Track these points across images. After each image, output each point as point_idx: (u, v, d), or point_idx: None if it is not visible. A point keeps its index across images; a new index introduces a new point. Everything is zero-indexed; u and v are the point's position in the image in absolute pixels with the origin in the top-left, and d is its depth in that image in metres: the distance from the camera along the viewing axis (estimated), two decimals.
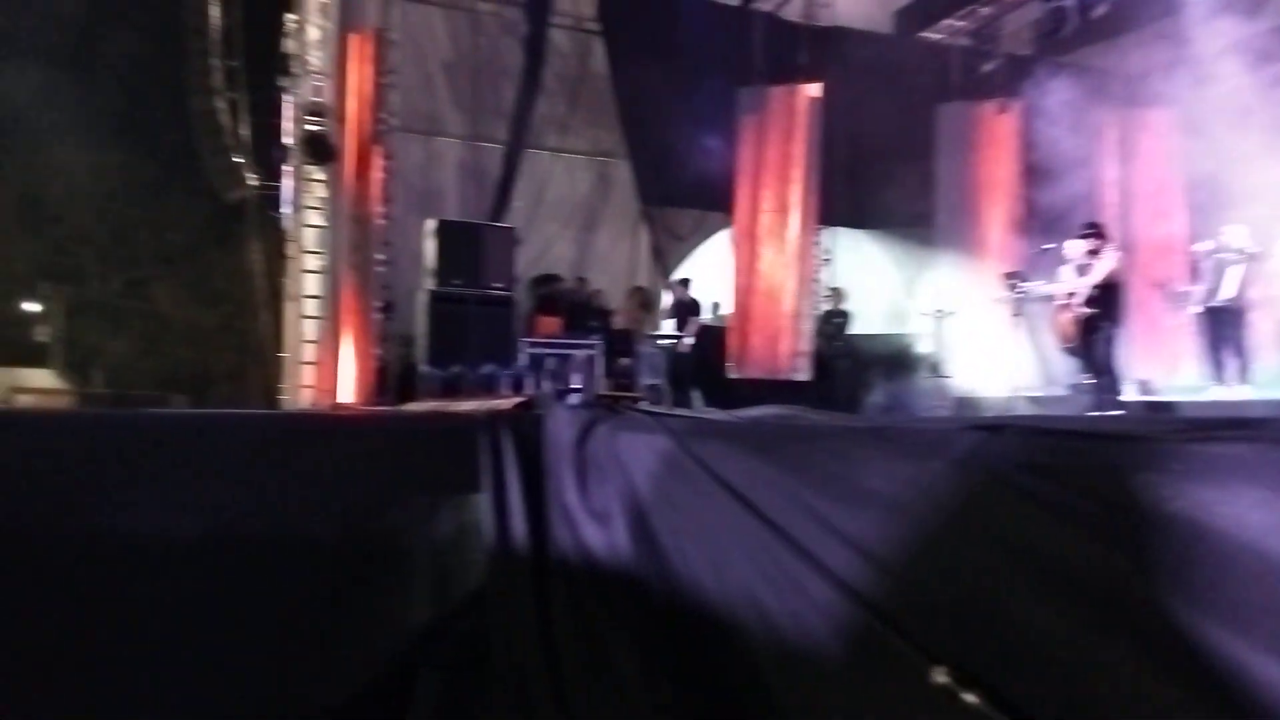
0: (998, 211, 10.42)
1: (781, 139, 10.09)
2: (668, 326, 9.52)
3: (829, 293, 10.15)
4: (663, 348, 9.40)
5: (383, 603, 2.83)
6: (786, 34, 10.45)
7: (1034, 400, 8.86)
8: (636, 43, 10.13)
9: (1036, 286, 7.93)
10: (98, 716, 2.41)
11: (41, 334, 16.95)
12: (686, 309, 9.51)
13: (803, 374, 9.64)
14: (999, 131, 10.48)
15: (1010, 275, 8.48)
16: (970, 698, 1.39)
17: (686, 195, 10.65)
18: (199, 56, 9.77)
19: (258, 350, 11.13)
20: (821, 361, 9.72)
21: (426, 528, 2.93)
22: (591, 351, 8.60)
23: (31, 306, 16.32)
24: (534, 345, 8.50)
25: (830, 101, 9.99)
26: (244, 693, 2.54)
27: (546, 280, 9.80)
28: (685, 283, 9.88)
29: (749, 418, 2.53)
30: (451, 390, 8.00)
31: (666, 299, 9.80)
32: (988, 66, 10.77)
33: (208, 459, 2.74)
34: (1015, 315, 8.46)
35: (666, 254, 10.88)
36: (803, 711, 1.78)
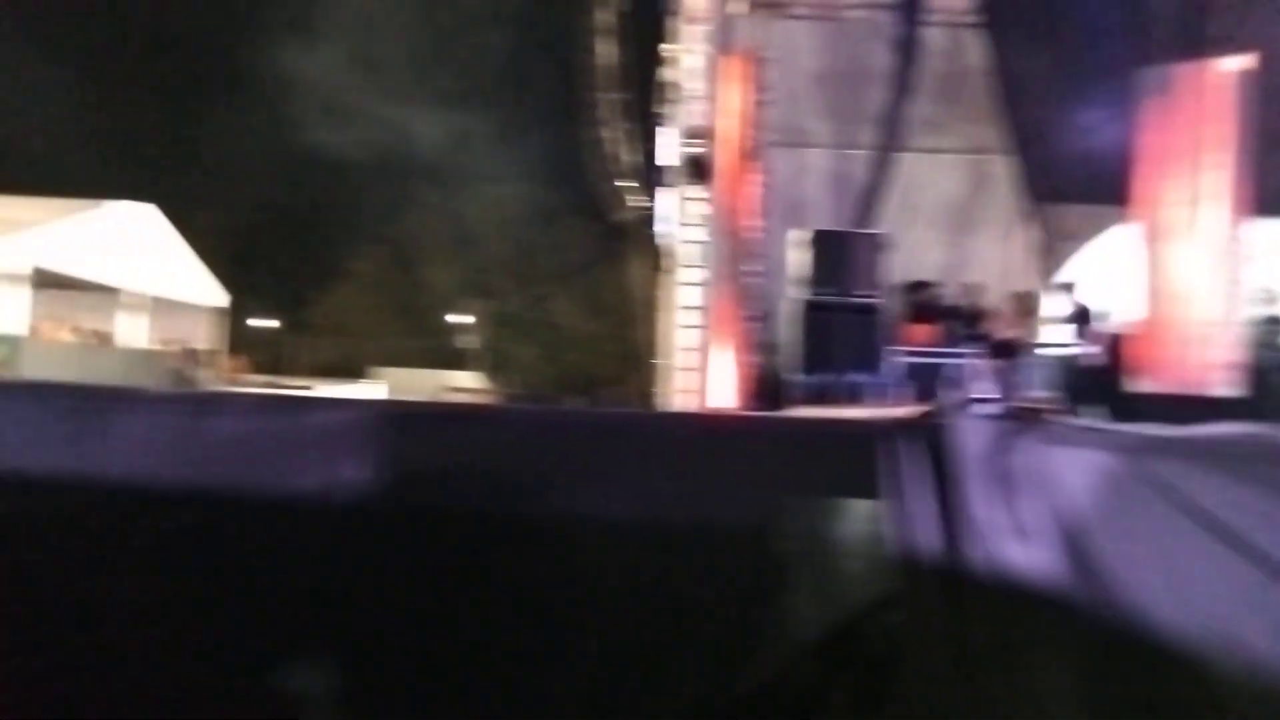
0: None
1: (1193, 121, 8.83)
2: (1059, 334, 8.74)
3: (1261, 295, 8.71)
4: (1055, 358, 8.65)
5: (793, 599, 2.93)
6: (1196, 3, 9.18)
7: None
8: (1020, 30, 9.50)
9: None
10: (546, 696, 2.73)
11: (463, 342, 19.99)
12: (1082, 316, 8.68)
13: (1227, 389, 8.32)
14: None
15: None
16: None
17: (1076, 190, 9.75)
18: (591, 91, 10.83)
19: (636, 357, 12.09)
20: (1256, 375, 8.32)
21: (830, 529, 2.99)
22: (981, 362, 8.17)
23: (458, 319, 19.35)
24: (907, 354, 8.30)
25: (1252, 75, 8.60)
26: (673, 674, 2.77)
27: (919, 287, 9.52)
28: (1070, 286, 9.05)
29: (1213, 436, 2.27)
30: (819, 399, 8.07)
31: (1052, 304, 9.03)
32: None
33: (637, 453, 3.03)
34: None
35: (1053, 255, 10.05)
36: None
